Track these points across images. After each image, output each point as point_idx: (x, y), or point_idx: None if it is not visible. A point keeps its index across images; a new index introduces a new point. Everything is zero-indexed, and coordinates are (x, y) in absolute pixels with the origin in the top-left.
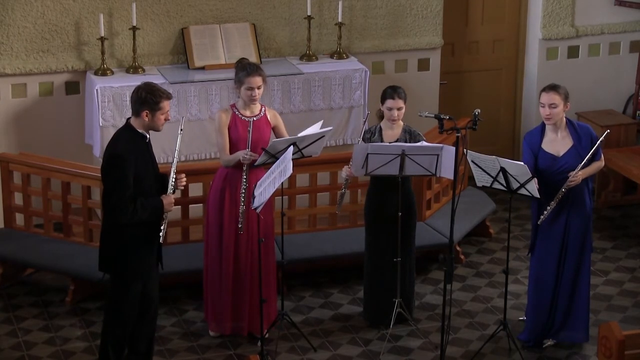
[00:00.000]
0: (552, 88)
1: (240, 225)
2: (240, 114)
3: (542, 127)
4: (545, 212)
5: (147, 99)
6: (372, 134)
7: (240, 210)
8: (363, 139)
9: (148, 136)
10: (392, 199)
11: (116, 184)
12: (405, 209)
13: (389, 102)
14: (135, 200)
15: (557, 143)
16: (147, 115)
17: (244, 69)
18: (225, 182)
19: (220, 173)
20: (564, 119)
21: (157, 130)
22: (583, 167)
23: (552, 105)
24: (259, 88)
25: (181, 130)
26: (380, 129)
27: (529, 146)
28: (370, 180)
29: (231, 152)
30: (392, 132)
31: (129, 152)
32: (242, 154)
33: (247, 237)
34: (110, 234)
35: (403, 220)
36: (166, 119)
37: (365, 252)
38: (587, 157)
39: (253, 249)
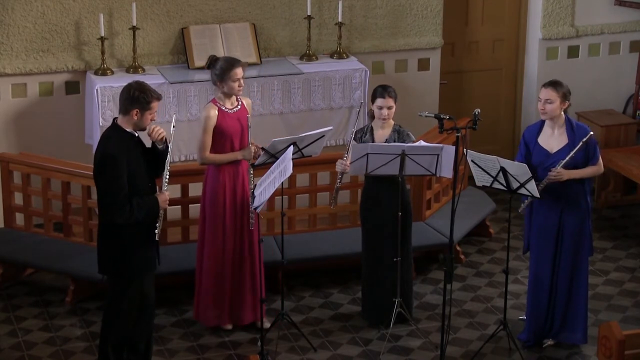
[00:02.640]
0: (552, 84)
1: (252, 221)
2: (226, 108)
3: (542, 122)
4: (526, 201)
5: (140, 97)
6: (364, 134)
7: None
8: (354, 139)
9: (137, 134)
10: (387, 198)
11: (111, 185)
12: (401, 208)
13: (379, 101)
14: (131, 200)
15: (552, 139)
16: (136, 114)
17: (226, 62)
18: (223, 180)
19: (214, 171)
20: (563, 116)
21: (143, 129)
22: (567, 166)
23: (547, 101)
24: (242, 78)
25: (174, 127)
26: (372, 128)
27: (524, 141)
28: (364, 180)
29: (222, 146)
30: (382, 131)
31: (121, 152)
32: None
33: (242, 235)
34: (108, 235)
35: (400, 220)
36: (152, 119)
37: (362, 252)
38: (570, 154)
39: (250, 247)
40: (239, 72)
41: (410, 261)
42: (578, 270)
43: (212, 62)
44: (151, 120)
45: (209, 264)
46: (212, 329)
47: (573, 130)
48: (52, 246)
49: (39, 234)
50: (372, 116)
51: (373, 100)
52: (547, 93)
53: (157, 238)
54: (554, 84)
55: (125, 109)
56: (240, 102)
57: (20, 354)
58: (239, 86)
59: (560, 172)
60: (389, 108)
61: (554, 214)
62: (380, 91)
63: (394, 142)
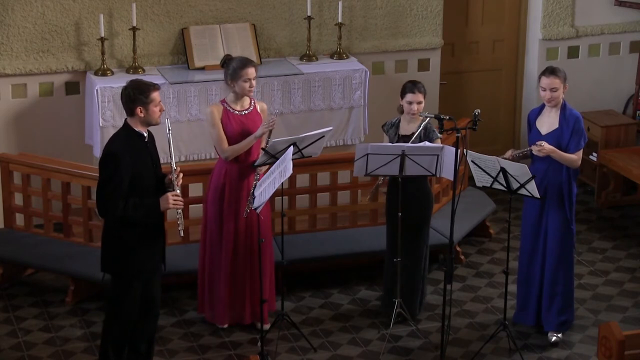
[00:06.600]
0: (552, 72)
1: (247, 210)
2: (232, 109)
3: (544, 105)
4: (503, 155)
5: (137, 95)
6: (391, 126)
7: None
8: (383, 131)
9: (146, 135)
10: (404, 197)
11: (108, 181)
12: (419, 207)
13: (409, 96)
14: (127, 199)
15: (547, 122)
16: (141, 111)
17: (239, 61)
18: (225, 179)
19: (219, 169)
20: (562, 100)
21: (155, 123)
22: (552, 144)
23: (553, 89)
24: (254, 79)
25: (169, 129)
26: (399, 122)
27: (528, 122)
28: (389, 177)
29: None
30: (408, 126)
31: (125, 151)
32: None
33: (246, 235)
34: (112, 234)
35: (414, 219)
36: (161, 110)
37: (386, 249)
38: (555, 130)
39: (252, 248)
40: (250, 72)
41: (421, 261)
42: (560, 260)
43: (227, 60)
44: (160, 111)
45: (208, 263)
46: (213, 329)
47: (565, 117)
48: (52, 246)
49: (39, 234)
50: (401, 111)
51: (403, 96)
52: (552, 81)
53: (181, 235)
54: (554, 71)
55: (129, 110)
56: (253, 106)
57: (20, 354)
58: (249, 87)
59: (543, 147)
60: (419, 103)
61: (541, 212)
62: (410, 87)
63: (420, 138)
